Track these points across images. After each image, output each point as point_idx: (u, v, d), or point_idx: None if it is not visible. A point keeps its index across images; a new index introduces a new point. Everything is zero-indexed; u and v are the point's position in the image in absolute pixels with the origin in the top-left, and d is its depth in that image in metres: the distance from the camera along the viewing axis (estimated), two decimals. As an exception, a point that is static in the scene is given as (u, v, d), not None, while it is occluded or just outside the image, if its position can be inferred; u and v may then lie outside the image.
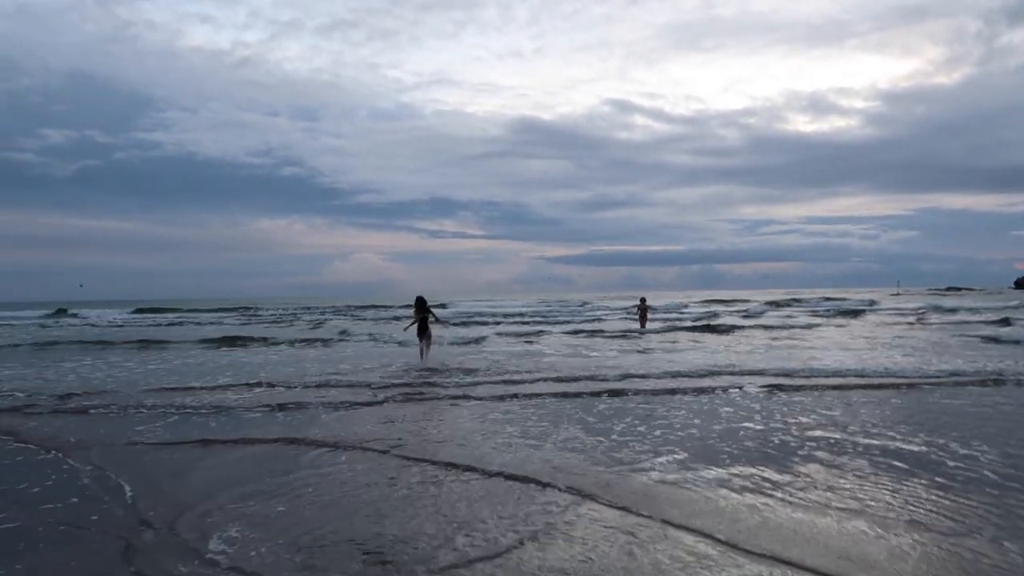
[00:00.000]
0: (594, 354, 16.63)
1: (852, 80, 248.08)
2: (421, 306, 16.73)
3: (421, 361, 15.85)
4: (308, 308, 58.25)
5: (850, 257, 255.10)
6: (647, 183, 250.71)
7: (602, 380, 11.65)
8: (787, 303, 52.07)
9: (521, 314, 41.78)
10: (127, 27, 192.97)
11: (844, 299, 61.65)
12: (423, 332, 16.58)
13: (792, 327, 25.77)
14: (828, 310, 41.78)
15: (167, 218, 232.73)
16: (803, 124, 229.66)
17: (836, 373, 12.00)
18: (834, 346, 17.56)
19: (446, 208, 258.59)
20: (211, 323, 38.29)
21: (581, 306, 56.54)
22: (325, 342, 21.66)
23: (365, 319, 40.48)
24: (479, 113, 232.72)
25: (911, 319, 30.67)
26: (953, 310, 36.31)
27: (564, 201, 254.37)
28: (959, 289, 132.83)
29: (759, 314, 38.07)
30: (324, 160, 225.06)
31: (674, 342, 19.71)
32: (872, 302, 51.29)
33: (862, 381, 11.04)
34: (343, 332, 26.42)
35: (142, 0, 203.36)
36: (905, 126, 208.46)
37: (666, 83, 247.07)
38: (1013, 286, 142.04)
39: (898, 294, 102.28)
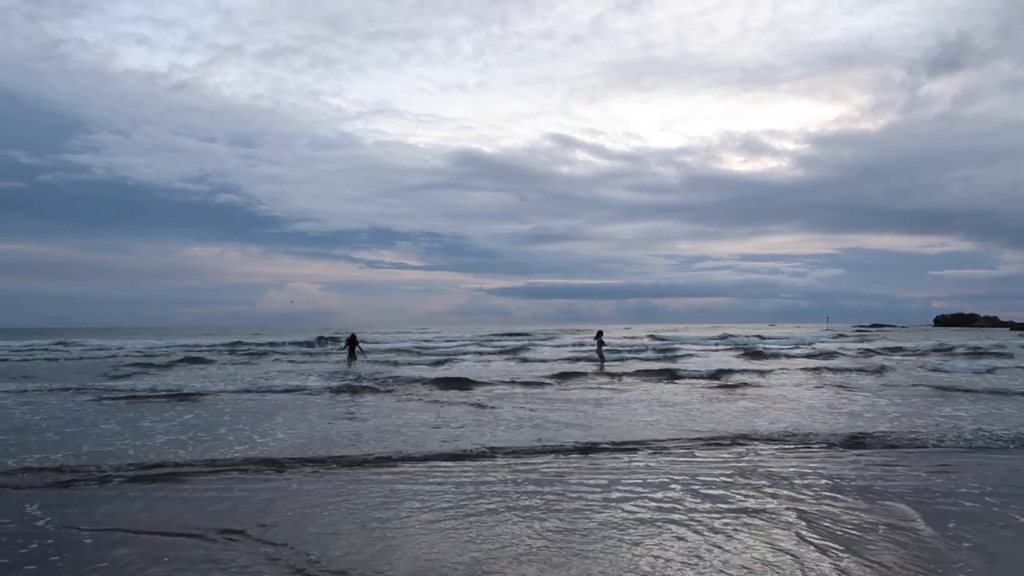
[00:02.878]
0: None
1: (783, 123, 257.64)
2: (352, 340, 28.42)
3: (349, 365, 26.12)
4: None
5: (780, 294, 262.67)
6: (586, 217, 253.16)
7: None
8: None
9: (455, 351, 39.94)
10: (57, 45, 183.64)
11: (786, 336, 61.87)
12: (352, 356, 27.69)
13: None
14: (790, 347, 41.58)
15: (95, 243, 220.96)
16: (737, 164, 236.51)
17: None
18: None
19: (385, 238, 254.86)
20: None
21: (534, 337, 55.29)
22: None
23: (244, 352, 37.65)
24: (421, 144, 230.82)
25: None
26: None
27: (504, 233, 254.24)
28: (883, 326, 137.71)
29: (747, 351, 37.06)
30: (261, 188, 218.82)
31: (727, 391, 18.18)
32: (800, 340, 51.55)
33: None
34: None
35: (74, 18, 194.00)
36: (833, 168, 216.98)
37: (606, 120, 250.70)
38: (933, 323, 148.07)
39: (827, 329, 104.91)
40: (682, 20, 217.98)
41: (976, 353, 34.15)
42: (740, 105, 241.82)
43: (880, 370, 23.54)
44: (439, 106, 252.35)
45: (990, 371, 22.93)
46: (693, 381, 19.67)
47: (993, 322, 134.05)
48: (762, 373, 22.19)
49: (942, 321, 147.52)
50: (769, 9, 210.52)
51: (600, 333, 31.00)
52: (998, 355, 32.48)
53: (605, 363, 27.42)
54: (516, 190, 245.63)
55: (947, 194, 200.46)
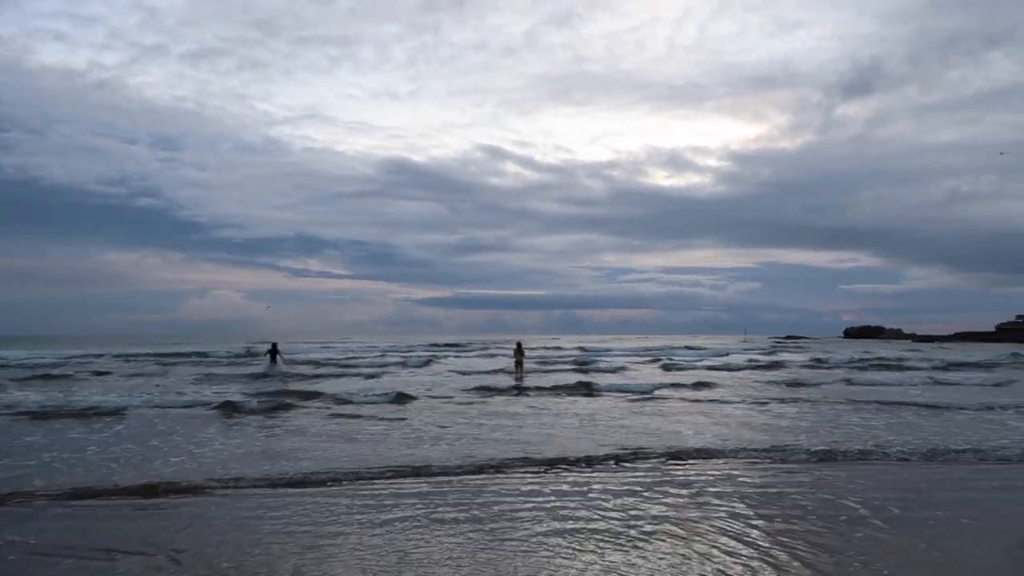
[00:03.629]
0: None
1: (707, 140, 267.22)
2: (274, 348, 31.93)
3: (270, 369, 29.66)
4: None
5: (701, 306, 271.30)
6: (515, 229, 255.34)
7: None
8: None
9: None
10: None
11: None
12: (273, 363, 30.73)
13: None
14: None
15: (3, 247, 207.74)
16: (662, 179, 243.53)
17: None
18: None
19: (312, 246, 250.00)
20: None
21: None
22: None
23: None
24: (350, 152, 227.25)
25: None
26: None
27: (433, 243, 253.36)
28: (797, 338, 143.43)
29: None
30: (183, 192, 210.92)
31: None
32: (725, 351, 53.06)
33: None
34: None
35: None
36: (753, 185, 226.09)
37: (537, 132, 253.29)
38: (843, 335, 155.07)
39: (745, 341, 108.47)
40: (613, 36, 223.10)
41: (883, 365, 35.80)
42: (667, 121, 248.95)
43: (795, 382, 24.33)
44: (370, 114, 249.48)
45: (898, 384, 24.04)
46: (615, 395, 19.77)
47: (897, 334, 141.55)
48: (682, 386, 22.56)
49: (851, 333, 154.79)
50: (696, 29, 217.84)
51: (519, 345, 30.88)
52: (902, 368, 34.15)
53: (525, 375, 27.35)
54: (446, 200, 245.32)
55: (858, 212, 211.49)
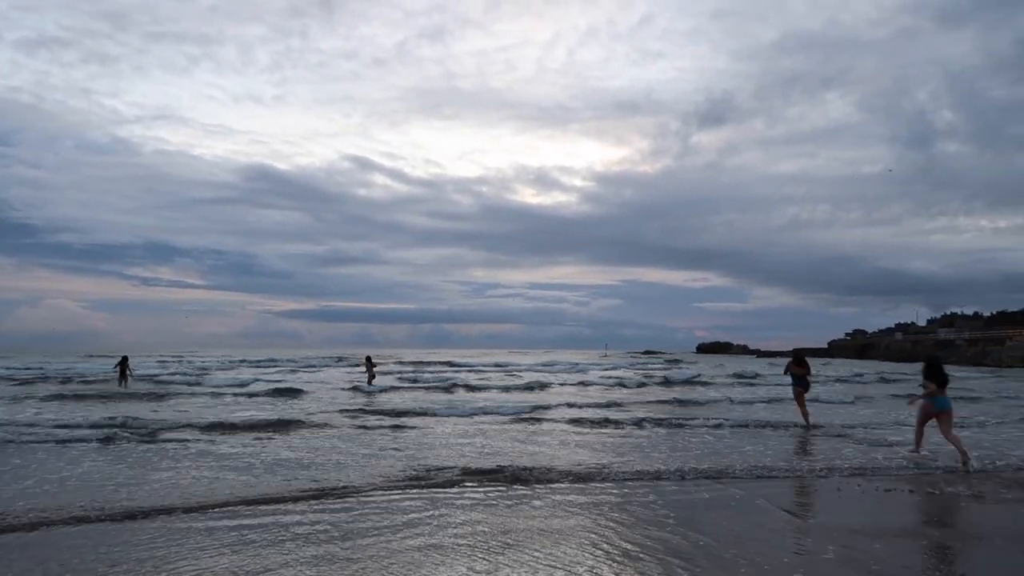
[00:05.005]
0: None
1: (573, 160, 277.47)
2: (124, 362, 29.00)
3: (120, 387, 27.27)
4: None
5: (565, 321, 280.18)
6: (383, 241, 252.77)
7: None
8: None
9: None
10: None
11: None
12: (123, 376, 28.34)
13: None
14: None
15: None
16: (529, 196, 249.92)
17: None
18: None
19: (163, 254, 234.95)
20: None
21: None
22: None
23: None
24: (208, 156, 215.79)
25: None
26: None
27: (297, 254, 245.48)
28: (654, 352, 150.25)
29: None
30: (15, 192, 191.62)
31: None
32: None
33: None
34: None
35: None
36: (616, 206, 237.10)
37: (406, 145, 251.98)
38: (696, 350, 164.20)
39: (606, 356, 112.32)
40: (483, 55, 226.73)
41: (737, 382, 37.92)
42: (535, 141, 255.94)
43: (669, 400, 25.16)
44: (230, 117, 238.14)
45: (745, 401, 25.47)
46: (480, 416, 19.58)
47: (744, 350, 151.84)
48: (550, 406, 22.71)
49: (703, 349, 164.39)
50: (564, 53, 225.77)
51: (369, 359, 30.46)
52: (751, 384, 36.35)
53: (376, 393, 26.71)
54: (311, 210, 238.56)
55: (711, 235, 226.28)
